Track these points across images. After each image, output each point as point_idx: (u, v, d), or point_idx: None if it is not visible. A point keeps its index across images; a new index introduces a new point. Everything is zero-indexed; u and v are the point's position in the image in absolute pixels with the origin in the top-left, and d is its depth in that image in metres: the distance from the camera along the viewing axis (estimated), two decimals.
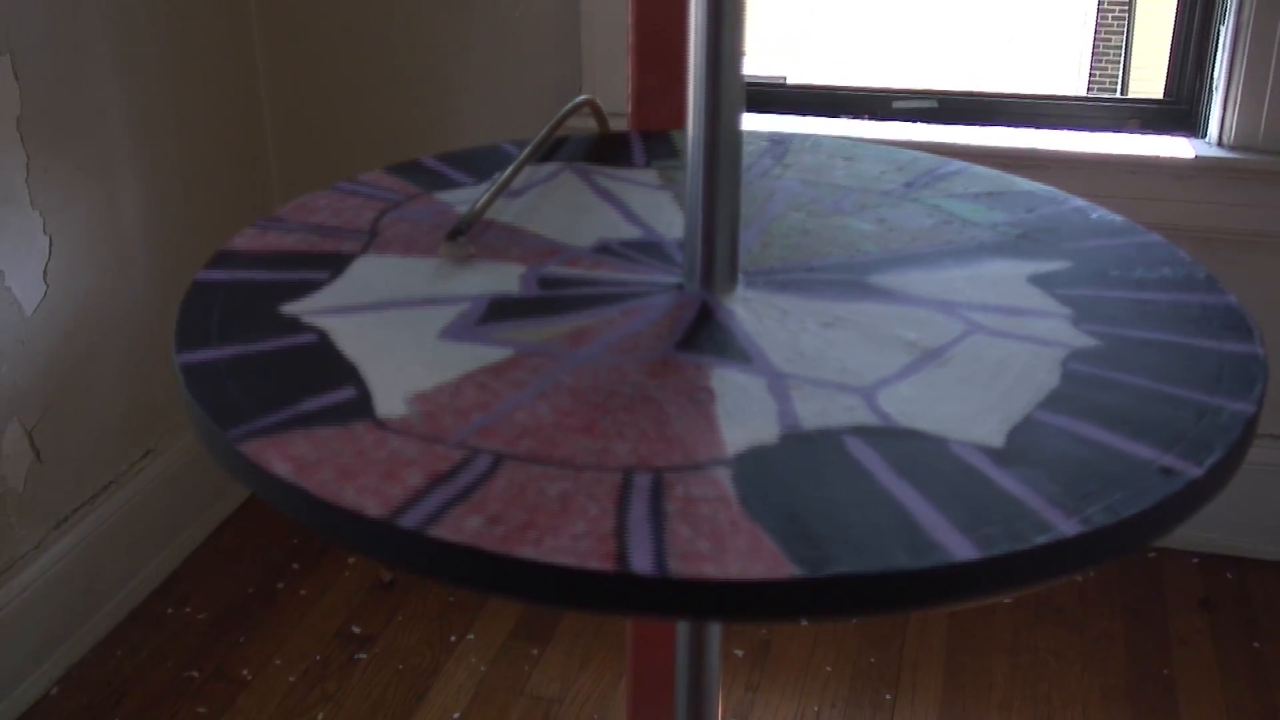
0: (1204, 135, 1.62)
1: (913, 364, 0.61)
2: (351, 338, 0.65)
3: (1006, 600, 1.63)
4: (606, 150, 0.87)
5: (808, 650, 1.55)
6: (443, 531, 0.48)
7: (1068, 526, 0.48)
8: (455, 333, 0.66)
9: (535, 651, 1.54)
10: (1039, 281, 0.69)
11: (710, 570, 0.47)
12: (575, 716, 1.44)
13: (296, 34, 1.78)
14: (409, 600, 1.63)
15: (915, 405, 0.58)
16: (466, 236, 0.74)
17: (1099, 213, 0.77)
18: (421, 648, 1.55)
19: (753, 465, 0.54)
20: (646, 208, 0.79)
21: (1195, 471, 0.51)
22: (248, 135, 1.80)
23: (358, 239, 0.76)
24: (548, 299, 0.69)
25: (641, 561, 0.47)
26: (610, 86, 1.65)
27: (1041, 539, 0.47)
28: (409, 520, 0.48)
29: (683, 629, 0.96)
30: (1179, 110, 1.66)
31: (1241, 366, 0.60)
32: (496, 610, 1.61)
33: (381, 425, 0.56)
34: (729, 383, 0.61)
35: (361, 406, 0.58)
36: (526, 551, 0.47)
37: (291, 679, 1.50)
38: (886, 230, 0.76)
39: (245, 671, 1.51)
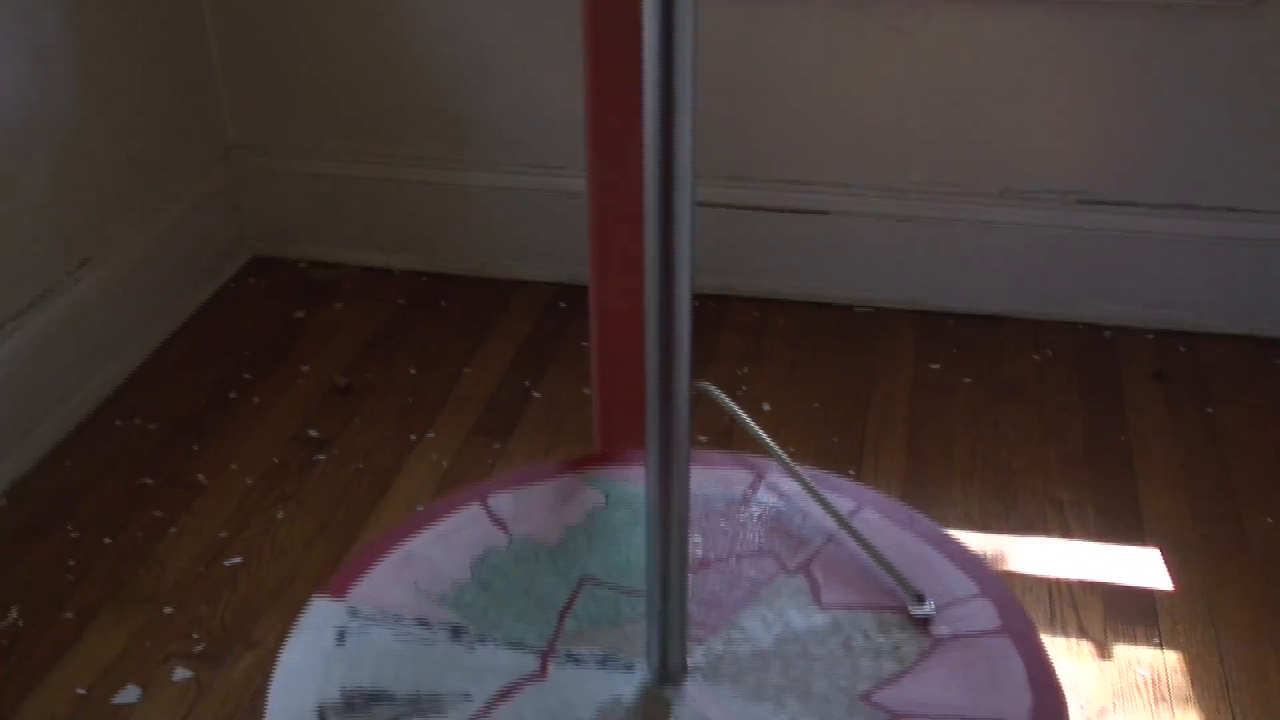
0: None
1: None
2: None
3: (966, 380, 1.63)
4: None
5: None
6: None
7: None
8: None
9: (497, 446, 1.53)
10: None
11: None
12: None
13: None
14: (366, 404, 1.61)
15: None
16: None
17: None
18: (381, 447, 1.53)
19: None
20: None
21: None
22: None
23: None
24: None
25: None
26: None
27: None
28: None
29: (653, 402, 0.93)
30: None
31: None
32: (456, 409, 1.59)
33: None
34: None
35: None
36: None
37: (249, 482, 1.47)
38: None
39: (201, 476, 1.48)
